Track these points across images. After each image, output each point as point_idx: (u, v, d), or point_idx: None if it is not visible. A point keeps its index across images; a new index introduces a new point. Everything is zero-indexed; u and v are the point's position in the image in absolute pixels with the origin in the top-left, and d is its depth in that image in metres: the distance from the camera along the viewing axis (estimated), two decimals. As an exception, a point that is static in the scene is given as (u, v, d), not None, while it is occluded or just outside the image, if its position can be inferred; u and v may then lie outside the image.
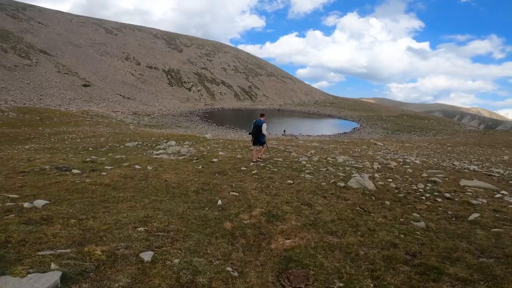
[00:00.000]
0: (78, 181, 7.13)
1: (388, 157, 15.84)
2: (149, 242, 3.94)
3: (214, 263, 3.64)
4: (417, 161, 14.68)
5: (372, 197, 7.32)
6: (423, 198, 7.50)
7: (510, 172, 13.47)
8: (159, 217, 4.88)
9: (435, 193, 8.02)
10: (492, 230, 5.48)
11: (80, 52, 67.73)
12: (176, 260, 3.51)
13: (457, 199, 7.54)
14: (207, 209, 5.52)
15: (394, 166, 12.23)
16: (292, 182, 7.97)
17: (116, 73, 68.11)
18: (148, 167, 9.11)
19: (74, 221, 4.41)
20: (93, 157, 13.36)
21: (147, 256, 3.50)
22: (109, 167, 9.48)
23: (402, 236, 4.94)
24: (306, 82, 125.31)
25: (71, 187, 6.49)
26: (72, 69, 59.22)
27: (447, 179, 10.30)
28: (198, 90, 77.21)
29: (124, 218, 4.66)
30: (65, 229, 4.09)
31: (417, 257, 4.29)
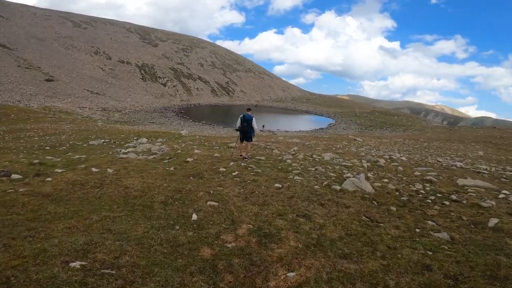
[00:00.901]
0: (10, 190, 5.54)
1: (374, 154, 15.19)
2: (84, 290, 2.59)
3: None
4: (403, 158, 14.12)
5: (374, 202, 6.35)
6: (429, 201, 6.65)
7: (497, 169, 13.22)
8: (108, 243, 3.49)
9: (438, 195, 7.23)
10: (520, 237, 4.65)
11: (44, 46, 62.80)
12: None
13: (464, 202, 6.77)
14: (177, 227, 4.15)
15: (383, 163, 11.48)
16: (280, 186, 6.79)
17: (84, 67, 63.75)
18: (109, 169, 7.52)
19: (-28, 256, 2.95)
20: (48, 157, 11.76)
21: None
22: (60, 170, 7.84)
23: (430, 253, 3.97)
24: (284, 79, 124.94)
25: (-3, 199, 4.91)
26: (34, 64, 54.66)
27: (441, 177, 9.67)
28: (174, 86, 74.22)
29: (53, 247, 3.24)
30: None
31: (460, 280, 3.35)
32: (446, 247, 4.22)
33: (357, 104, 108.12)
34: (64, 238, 3.58)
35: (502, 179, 10.52)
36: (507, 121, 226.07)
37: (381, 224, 4.97)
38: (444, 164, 13.28)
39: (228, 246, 3.74)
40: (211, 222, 4.43)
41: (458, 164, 13.65)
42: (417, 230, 4.84)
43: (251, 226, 4.35)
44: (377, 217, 5.30)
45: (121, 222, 4.19)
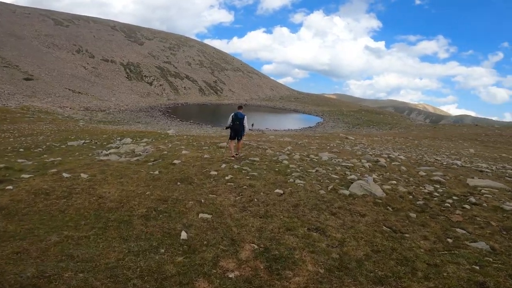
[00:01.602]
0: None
1: (371, 153, 14.61)
2: None
3: None
4: (401, 157, 13.59)
5: (389, 207, 5.61)
6: (448, 205, 5.98)
7: (497, 167, 12.86)
8: (68, 276, 2.57)
9: (454, 198, 6.59)
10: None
11: (23, 44, 60.31)
12: None
13: (485, 205, 6.15)
14: (163, 251, 3.22)
15: (385, 163, 10.86)
16: (282, 192, 5.93)
17: (65, 66, 61.38)
18: (83, 174, 6.47)
19: None
20: (19, 160, 10.74)
21: None
22: (26, 176, 6.76)
23: (477, 268, 3.32)
24: (272, 78, 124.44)
25: None
26: (12, 62, 52.28)
27: (447, 177, 9.12)
28: (160, 85, 72.44)
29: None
30: None
31: None
32: (491, 259, 3.54)
33: (344, 103, 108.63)
34: (9, 267, 2.64)
35: (506, 178, 10.12)
36: (486, 119, 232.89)
37: (406, 235, 4.21)
38: (445, 163, 12.83)
39: (231, 276, 2.83)
40: (206, 242, 3.51)
41: (458, 162, 13.24)
42: (449, 240, 4.11)
43: (255, 246, 3.46)
44: (399, 227, 4.54)
45: (87, 245, 3.21)
